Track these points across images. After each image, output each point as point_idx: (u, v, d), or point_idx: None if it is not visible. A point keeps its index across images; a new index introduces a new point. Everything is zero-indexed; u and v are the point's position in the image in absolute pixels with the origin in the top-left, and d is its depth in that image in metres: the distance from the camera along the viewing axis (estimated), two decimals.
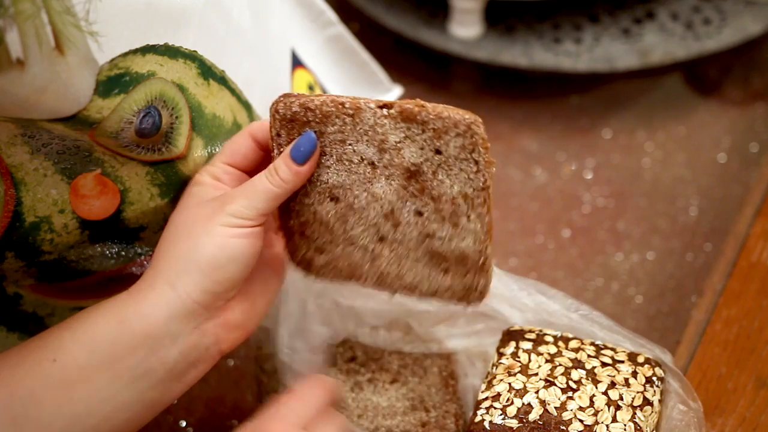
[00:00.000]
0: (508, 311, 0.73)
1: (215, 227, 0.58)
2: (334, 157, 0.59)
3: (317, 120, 0.58)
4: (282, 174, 0.59)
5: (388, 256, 0.61)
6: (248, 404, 0.77)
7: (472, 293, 0.61)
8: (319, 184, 0.60)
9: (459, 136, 0.56)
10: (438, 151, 0.57)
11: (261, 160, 0.63)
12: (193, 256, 0.58)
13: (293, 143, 0.59)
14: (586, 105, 1.03)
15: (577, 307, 0.70)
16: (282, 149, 0.60)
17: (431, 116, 0.56)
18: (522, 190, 0.95)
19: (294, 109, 0.59)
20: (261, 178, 0.60)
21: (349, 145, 0.59)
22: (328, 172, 0.60)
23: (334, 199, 0.60)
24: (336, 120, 0.58)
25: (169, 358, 0.58)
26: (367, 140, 0.58)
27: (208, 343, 0.60)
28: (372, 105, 0.57)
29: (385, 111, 0.57)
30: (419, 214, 0.59)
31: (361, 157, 0.59)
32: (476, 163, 0.57)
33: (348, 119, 0.58)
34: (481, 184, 0.57)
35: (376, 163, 0.58)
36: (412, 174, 0.58)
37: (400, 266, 0.61)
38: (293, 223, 0.62)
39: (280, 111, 0.59)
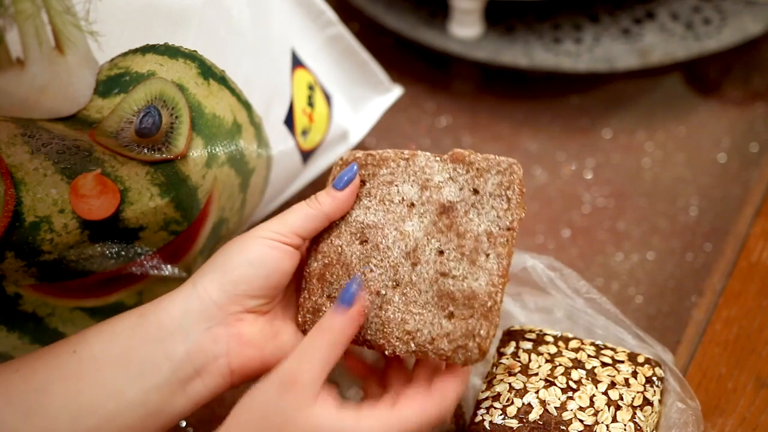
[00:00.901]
0: (512, 308, 0.73)
1: (250, 238, 0.62)
2: (377, 198, 0.64)
3: (374, 163, 0.64)
4: (320, 197, 0.63)
5: (397, 302, 0.61)
6: None
7: (471, 341, 0.59)
8: (354, 224, 0.64)
9: (499, 173, 0.62)
10: (475, 191, 0.62)
11: None
12: (219, 256, 0.62)
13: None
14: (586, 105, 1.03)
15: (587, 290, 0.71)
16: None
17: (478, 158, 0.62)
18: None
19: (357, 155, 0.65)
20: (301, 203, 0.63)
21: (395, 186, 0.64)
22: (366, 213, 0.64)
23: (364, 241, 0.63)
24: (391, 163, 0.64)
25: (176, 354, 0.59)
26: (413, 180, 0.63)
27: (217, 352, 0.60)
28: (428, 154, 0.64)
29: (437, 157, 0.63)
30: (440, 253, 0.61)
31: (403, 198, 0.63)
32: (508, 200, 0.61)
33: (402, 162, 0.64)
34: (507, 224, 0.61)
35: (415, 202, 0.63)
36: (446, 210, 0.62)
37: (406, 311, 0.61)
38: (315, 267, 0.64)
39: (344, 157, 0.65)
